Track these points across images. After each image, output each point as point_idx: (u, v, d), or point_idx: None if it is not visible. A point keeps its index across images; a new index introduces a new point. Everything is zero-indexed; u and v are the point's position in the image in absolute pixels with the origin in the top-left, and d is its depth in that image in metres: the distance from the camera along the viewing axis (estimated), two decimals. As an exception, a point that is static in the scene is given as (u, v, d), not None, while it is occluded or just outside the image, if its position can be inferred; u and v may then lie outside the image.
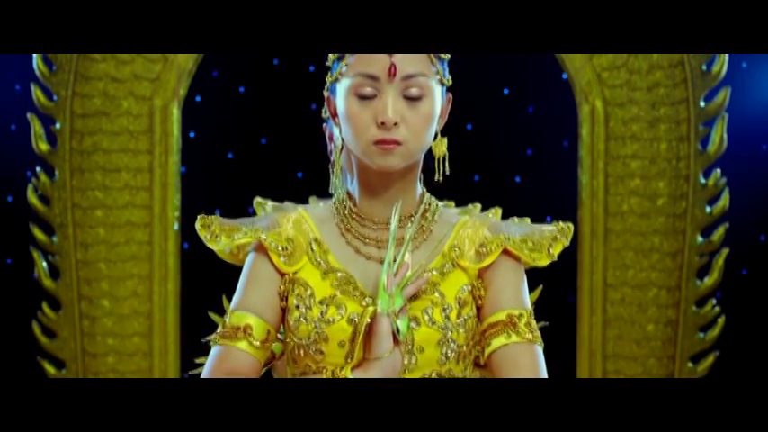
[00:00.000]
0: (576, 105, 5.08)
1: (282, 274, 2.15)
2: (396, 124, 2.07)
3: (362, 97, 2.09)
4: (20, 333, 5.06)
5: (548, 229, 2.20)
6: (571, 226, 2.22)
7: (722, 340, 5.06)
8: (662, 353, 5.06)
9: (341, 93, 2.12)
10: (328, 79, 2.16)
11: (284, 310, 2.15)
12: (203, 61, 5.11)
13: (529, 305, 2.15)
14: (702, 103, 5.02)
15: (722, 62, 4.99)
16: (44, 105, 5.00)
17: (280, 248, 2.14)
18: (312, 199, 3.34)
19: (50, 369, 5.04)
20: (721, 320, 5.04)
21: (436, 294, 2.12)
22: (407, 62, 2.09)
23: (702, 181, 5.04)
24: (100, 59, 5.01)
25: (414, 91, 2.09)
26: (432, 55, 2.12)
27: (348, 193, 2.20)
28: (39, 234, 5.02)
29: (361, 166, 2.15)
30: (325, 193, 3.10)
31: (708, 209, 5.04)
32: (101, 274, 5.05)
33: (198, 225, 2.20)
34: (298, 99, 5.10)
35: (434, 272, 2.13)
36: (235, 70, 5.25)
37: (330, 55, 2.16)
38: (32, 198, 5.01)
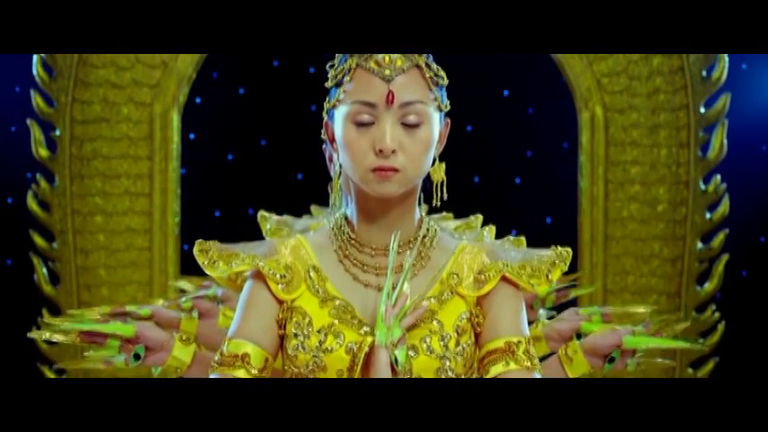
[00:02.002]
0: (576, 111, 5.06)
1: (281, 302, 2.13)
2: (394, 151, 2.05)
3: (360, 124, 2.07)
4: (20, 339, 5.05)
5: (546, 254, 2.18)
6: (569, 251, 2.20)
7: (722, 346, 5.05)
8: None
9: (339, 119, 2.10)
10: (326, 105, 2.15)
11: (282, 338, 2.13)
12: (203, 63, 5.10)
13: (527, 332, 2.13)
14: (702, 109, 5.01)
15: (722, 68, 4.97)
16: (44, 111, 4.99)
17: (278, 276, 2.13)
18: (314, 208, 3.34)
19: (50, 375, 5.03)
20: (721, 326, 5.03)
21: (434, 323, 2.10)
22: (405, 89, 2.07)
23: (702, 187, 5.03)
24: (100, 65, 5.00)
25: (412, 118, 2.07)
26: (430, 81, 2.10)
27: (346, 219, 2.19)
28: (39, 240, 5.01)
29: (359, 191, 2.14)
30: (325, 200, 3.10)
31: (708, 215, 5.03)
32: (101, 280, 5.04)
33: (196, 250, 2.18)
34: (297, 100, 5.09)
35: (433, 300, 2.12)
36: (235, 72, 5.24)
37: (328, 81, 2.14)
38: (32, 204, 5.00)
